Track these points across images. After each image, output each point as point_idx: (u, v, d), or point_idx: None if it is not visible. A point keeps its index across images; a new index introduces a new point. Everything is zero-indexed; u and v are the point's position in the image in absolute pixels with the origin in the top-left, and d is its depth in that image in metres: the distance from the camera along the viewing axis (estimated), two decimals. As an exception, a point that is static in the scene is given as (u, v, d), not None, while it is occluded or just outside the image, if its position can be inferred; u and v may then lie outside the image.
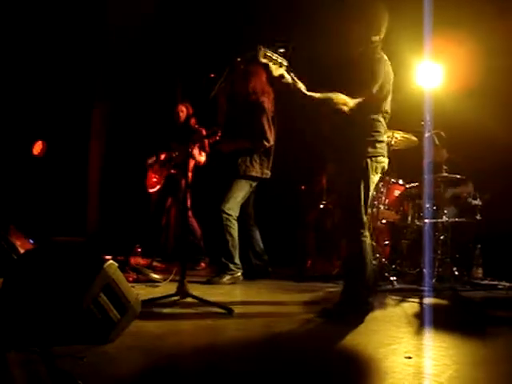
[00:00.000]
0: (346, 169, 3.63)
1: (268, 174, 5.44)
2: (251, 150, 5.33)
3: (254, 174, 5.34)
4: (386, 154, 3.71)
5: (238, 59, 4.03)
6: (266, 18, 6.75)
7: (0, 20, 6.64)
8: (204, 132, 5.79)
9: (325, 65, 3.90)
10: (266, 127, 5.31)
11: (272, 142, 5.38)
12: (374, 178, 3.65)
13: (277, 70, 3.31)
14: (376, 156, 3.62)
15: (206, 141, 5.99)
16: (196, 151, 6.10)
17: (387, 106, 3.72)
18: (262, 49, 3.25)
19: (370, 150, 3.59)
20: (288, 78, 3.35)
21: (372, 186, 3.65)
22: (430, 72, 5.89)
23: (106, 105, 7.75)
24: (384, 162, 3.70)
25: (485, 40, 5.59)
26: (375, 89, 3.53)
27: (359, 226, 3.57)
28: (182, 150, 5.76)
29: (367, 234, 3.62)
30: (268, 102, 5.36)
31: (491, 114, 5.74)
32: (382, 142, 3.67)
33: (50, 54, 7.02)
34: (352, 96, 3.48)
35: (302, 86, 3.42)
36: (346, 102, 3.46)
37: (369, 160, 3.58)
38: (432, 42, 5.60)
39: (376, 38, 3.66)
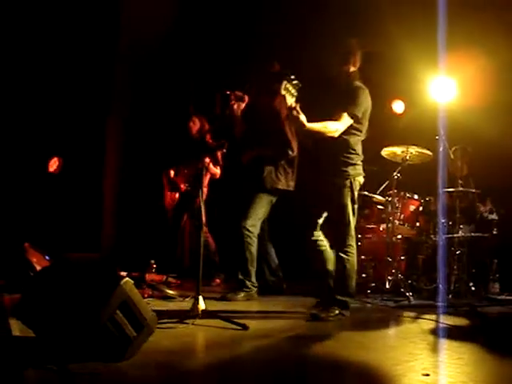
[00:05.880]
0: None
1: (292, 185, 5.32)
2: (274, 160, 5.22)
3: (280, 186, 5.23)
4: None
5: (228, 92, 4.44)
6: (277, 36, 6.80)
7: (14, 36, 6.73)
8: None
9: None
10: (290, 136, 5.18)
11: (296, 152, 5.26)
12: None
13: (290, 102, 3.66)
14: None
15: (219, 153, 5.98)
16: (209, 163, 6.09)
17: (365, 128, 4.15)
18: (285, 82, 3.58)
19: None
20: (298, 110, 3.69)
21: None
22: (444, 86, 5.90)
23: (121, 119, 7.80)
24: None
25: (498, 54, 5.59)
26: (356, 113, 3.99)
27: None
28: (196, 164, 5.74)
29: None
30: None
31: (505, 128, 5.72)
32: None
33: (65, 70, 7.09)
34: (335, 119, 3.93)
35: (304, 119, 3.74)
36: (336, 129, 3.94)
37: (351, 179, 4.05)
38: (446, 57, 5.61)
39: (352, 69, 4.14)
